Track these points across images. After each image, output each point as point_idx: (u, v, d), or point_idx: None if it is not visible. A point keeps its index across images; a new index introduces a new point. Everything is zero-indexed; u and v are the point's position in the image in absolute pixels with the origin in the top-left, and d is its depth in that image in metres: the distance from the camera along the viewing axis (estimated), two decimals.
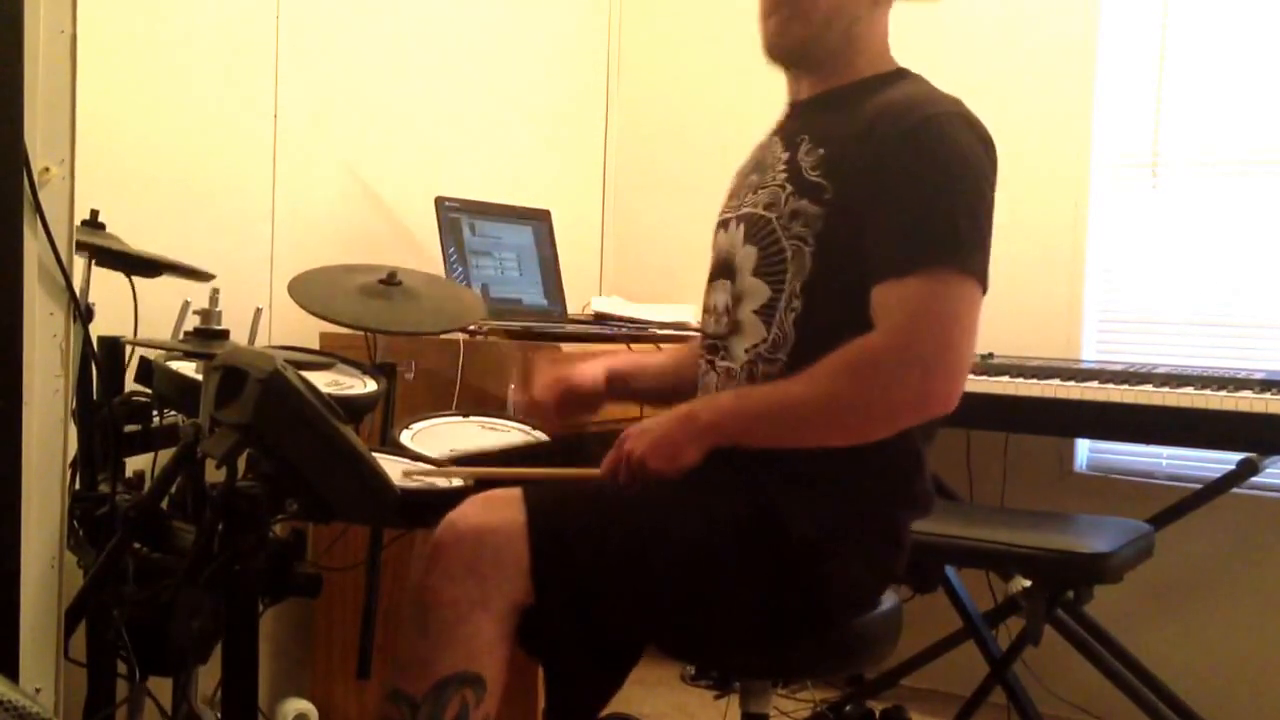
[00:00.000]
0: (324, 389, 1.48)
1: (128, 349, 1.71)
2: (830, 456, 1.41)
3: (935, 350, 1.35)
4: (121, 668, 1.52)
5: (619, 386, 1.74)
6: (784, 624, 1.44)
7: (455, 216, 2.65)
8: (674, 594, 1.42)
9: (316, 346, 2.29)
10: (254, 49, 2.41)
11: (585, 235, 3.42)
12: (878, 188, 1.40)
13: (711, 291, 1.60)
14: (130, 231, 1.77)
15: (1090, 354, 2.86)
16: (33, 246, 1.24)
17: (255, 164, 2.43)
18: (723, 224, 1.61)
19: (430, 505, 1.46)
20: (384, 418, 1.97)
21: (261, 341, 2.01)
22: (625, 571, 1.40)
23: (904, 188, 1.39)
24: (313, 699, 2.43)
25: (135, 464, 1.72)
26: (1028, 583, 2.09)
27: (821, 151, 1.47)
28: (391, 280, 2.02)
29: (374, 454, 1.41)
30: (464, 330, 2.25)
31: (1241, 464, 2.39)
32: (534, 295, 2.81)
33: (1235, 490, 2.45)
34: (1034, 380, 2.42)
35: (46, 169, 1.25)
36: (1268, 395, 2.20)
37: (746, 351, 1.51)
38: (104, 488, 1.56)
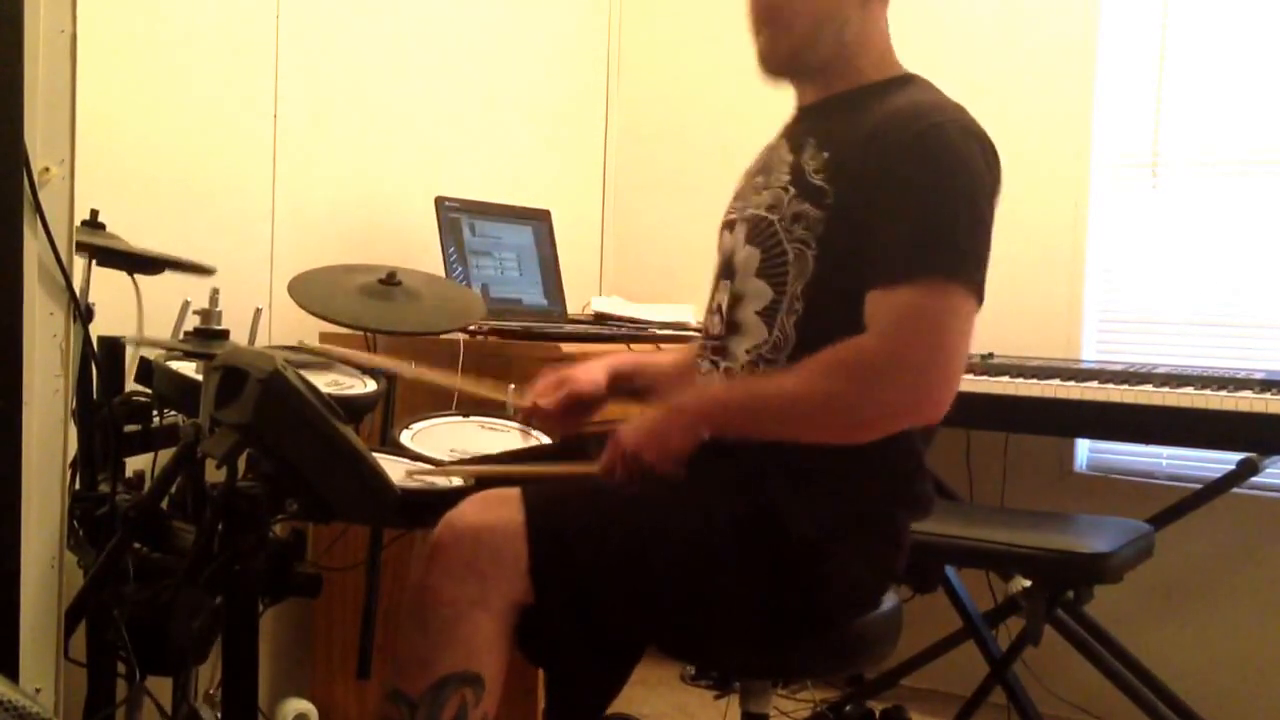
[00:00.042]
0: (324, 389, 1.48)
1: (128, 349, 1.71)
2: (830, 457, 1.41)
3: (926, 358, 1.34)
4: (121, 668, 1.52)
5: (621, 386, 1.74)
6: (784, 624, 1.44)
7: (455, 216, 2.65)
8: (674, 594, 1.42)
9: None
10: (254, 49, 2.41)
11: (585, 235, 3.42)
12: (879, 194, 1.40)
13: (715, 292, 1.60)
14: (130, 231, 1.77)
15: (1090, 354, 2.86)
16: (33, 246, 1.24)
17: (255, 164, 2.43)
18: (727, 225, 1.61)
19: (430, 505, 1.46)
20: (384, 418, 1.98)
21: (261, 341, 2.01)
22: (625, 571, 1.40)
23: (904, 196, 1.39)
24: (313, 699, 2.43)
25: (135, 464, 1.72)
26: (1028, 583, 2.09)
27: (826, 155, 1.47)
28: (391, 280, 2.02)
29: (374, 454, 1.42)
30: (464, 330, 2.25)
31: (1241, 464, 2.39)
32: (534, 295, 2.81)
33: (1235, 490, 2.45)
34: (1034, 380, 2.42)
35: (46, 169, 1.25)
36: (1268, 395, 2.20)
37: (747, 352, 1.51)
38: (104, 488, 1.56)
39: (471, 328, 2.27)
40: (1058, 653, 2.44)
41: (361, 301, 1.97)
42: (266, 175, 2.45)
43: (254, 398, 1.27)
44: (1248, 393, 2.22)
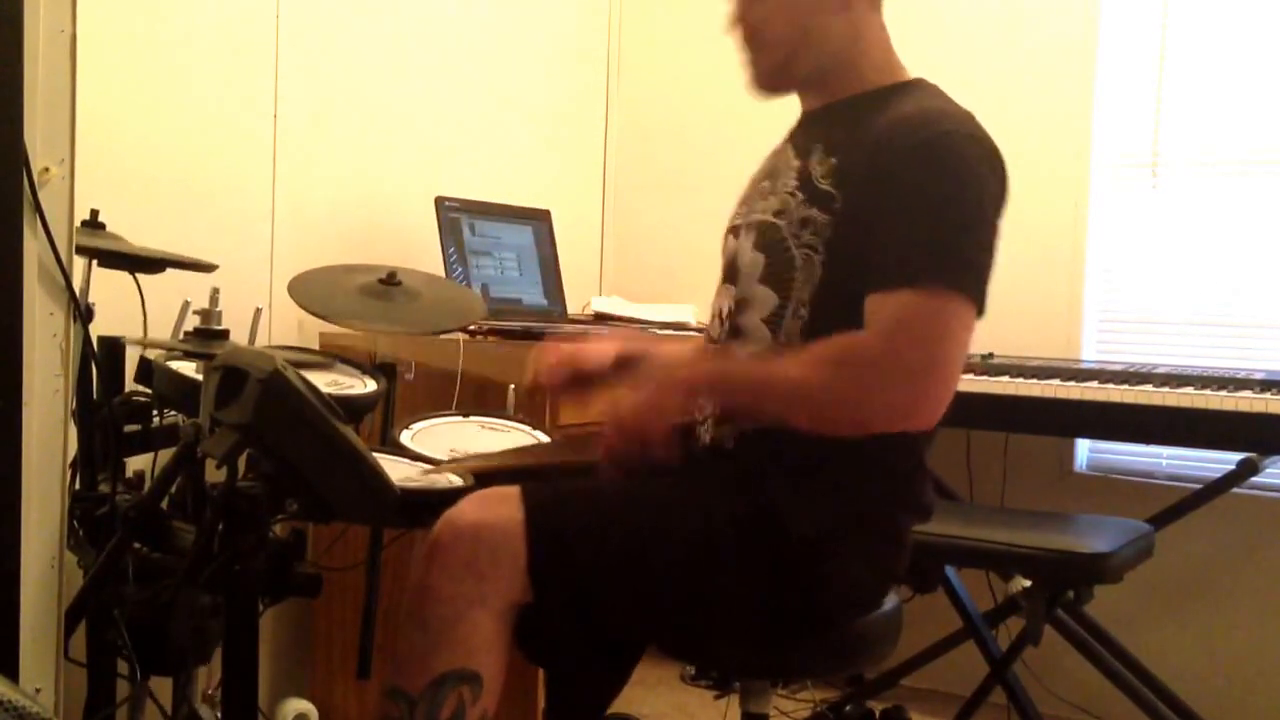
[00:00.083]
0: (324, 389, 1.48)
1: (128, 349, 1.71)
2: (831, 457, 1.41)
3: (921, 363, 1.34)
4: (122, 668, 1.52)
5: (626, 367, 1.71)
6: (784, 624, 1.44)
7: (455, 216, 2.65)
8: (674, 593, 1.42)
9: (316, 346, 2.29)
10: (254, 49, 2.41)
11: (585, 235, 3.42)
12: (884, 200, 1.40)
13: (719, 296, 1.60)
14: (131, 231, 1.77)
15: (1090, 354, 2.86)
16: (33, 246, 1.24)
17: (255, 164, 2.43)
18: (733, 230, 1.60)
19: (430, 505, 1.46)
20: (384, 418, 1.97)
21: (261, 341, 2.01)
22: (625, 570, 1.40)
23: (908, 201, 1.38)
24: (313, 699, 2.43)
25: (135, 464, 1.72)
26: (1028, 583, 2.09)
27: (833, 160, 1.47)
28: (391, 280, 2.01)
29: (374, 454, 1.42)
30: (464, 330, 2.25)
31: (1241, 464, 2.39)
32: (534, 295, 2.81)
33: (1235, 490, 2.45)
34: (1034, 380, 2.42)
35: (46, 169, 1.25)
36: (1268, 395, 2.20)
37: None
38: (104, 488, 1.56)
39: (471, 328, 2.27)
40: (1058, 653, 2.44)
41: (361, 301, 1.97)
42: (266, 175, 2.45)
43: (254, 398, 1.27)
44: (1248, 393, 2.22)
